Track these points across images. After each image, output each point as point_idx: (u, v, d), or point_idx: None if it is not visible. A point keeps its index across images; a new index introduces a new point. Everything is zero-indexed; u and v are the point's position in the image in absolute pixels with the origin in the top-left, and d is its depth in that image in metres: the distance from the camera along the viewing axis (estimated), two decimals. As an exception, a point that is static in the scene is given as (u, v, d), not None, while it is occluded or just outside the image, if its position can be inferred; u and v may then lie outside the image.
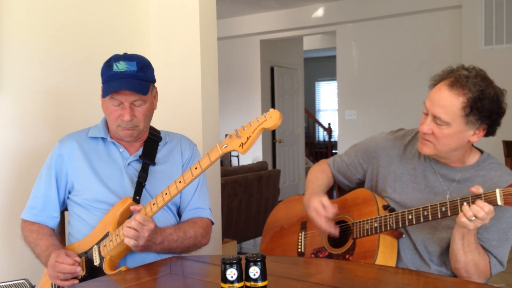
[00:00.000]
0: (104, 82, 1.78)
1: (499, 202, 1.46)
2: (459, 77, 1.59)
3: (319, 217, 1.81)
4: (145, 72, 1.79)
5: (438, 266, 1.74)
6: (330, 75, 11.60)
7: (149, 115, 1.83)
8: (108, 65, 1.78)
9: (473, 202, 1.49)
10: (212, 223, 1.94)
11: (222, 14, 7.18)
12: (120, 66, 1.75)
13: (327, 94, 12.78)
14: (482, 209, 1.46)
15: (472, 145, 1.74)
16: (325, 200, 1.82)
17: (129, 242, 1.62)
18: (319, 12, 7.03)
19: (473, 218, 1.47)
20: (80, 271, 1.68)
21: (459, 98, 1.57)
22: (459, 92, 1.57)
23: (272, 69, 8.00)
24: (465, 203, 1.50)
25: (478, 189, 1.50)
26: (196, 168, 1.55)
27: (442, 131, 1.61)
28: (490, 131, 1.64)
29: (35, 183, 1.92)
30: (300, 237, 2.00)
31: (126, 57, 1.79)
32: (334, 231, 1.82)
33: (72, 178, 1.86)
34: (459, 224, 1.53)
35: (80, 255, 1.78)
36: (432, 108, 1.62)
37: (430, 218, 1.61)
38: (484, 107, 1.56)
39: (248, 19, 7.64)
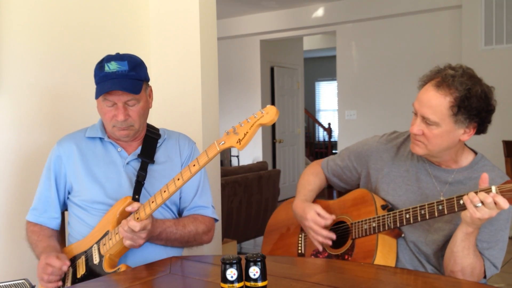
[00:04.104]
0: (97, 83, 1.78)
1: None
2: (445, 77, 1.59)
3: (318, 227, 1.84)
4: (138, 71, 1.78)
5: (434, 267, 1.75)
6: (330, 75, 11.60)
7: (144, 114, 1.83)
8: (100, 66, 1.78)
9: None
10: (216, 220, 1.95)
11: (222, 14, 7.19)
12: (112, 67, 1.75)
13: (327, 94, 12.77)
14: (488, 195, 1.44)
15: (466, 145, 1.74)
16: (319, 208, 1.86)
17: (128, 245, 1.67)
18: (319, 12, 7.04)
19: (479, 204, 1.45)
20: (65, 268, 1.69)
21: (446, 98, 1.57)
22: (446, 92, 1.58)
23: (272, 69, 8.00)
24: (471, 192, 1.48)
25: (484, 182, 1.49)
26: (194, 165, 1.55)
27: (432, 132, 1.61)
28: (480, 129, 1.63)
29: (38, 185, 1.93)
30: (300, 238, 2.00)
31: (117, 57, 1.78)
32: (333, 235, 1.84)
33: (70, 179, 1.86)
34: (465, 218, 1.51)
35: (80, 255, 1.79)
36: (420, 109, 1.63)
37: (427, 217, 1.60)
38: (472, 106, 1.56)
39: (248, 19, 7.64)
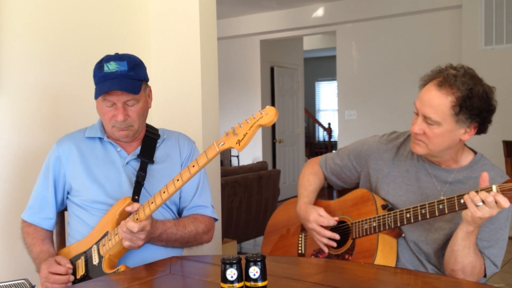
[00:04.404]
0: (96, 83, 1.78)
1: None
2: (447, 77, 1.60)
3: (321, 228, 1.84)
4: (137, 71, 1.78)
5: (435, 266, 1.75)
6: (330, 75, 11.60)
7: (143, 114, 1.83)
8: (99, 66, 1.78)
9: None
10: (216, 219, 1.95)
11: (222, 14, 7.18)
12: (111, 67, 1.74)
13: (327, 94, 12.77)
14: (489, 194, 1.44)
15: (466, 145, 1.74)
16: (322, 211, 1.86)
17: (127, 247, 1.67)
18: (319, 12, 7.03)
19: (480, 203, 1.45)
20: (72, 278, 1.70)
21: (448, 97, 1.58)
22: (448, 92, 1.58)
23: (272, 69, 8.00)
24: (472, 191, 1.48)
25: (484, 181, 1.49)
26: (193, 166, 1.55)
27: (433, 131, 1.62)
28: (481, 129, 1.63)
29: (35, 183, 1.93)
30: (300, 238, 2.00)
31: (116, 57, 1.78)
32: (336, 236, 1.84)
33: (70, 179, 1.86)
34: (466, 217, 1.51)
35: (79, 255, 1.79)
36: (422, 108, 1.63)
37: (428, 216, 1.61)
38: (473, 105, 1.57)
39: (248, 19, 7.64)
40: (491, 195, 1.44)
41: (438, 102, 1.59)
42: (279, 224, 2.12)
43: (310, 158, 2.16)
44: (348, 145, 2.03)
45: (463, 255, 1.58)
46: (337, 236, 1.83)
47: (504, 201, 1.43)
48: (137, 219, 1.63)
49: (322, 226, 1.85)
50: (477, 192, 1.47)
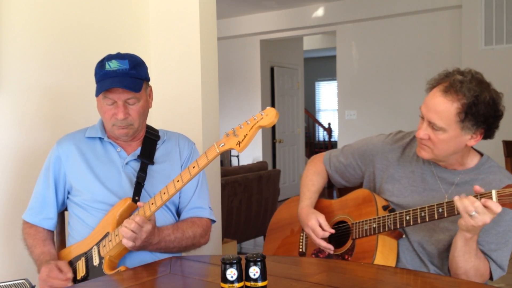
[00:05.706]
0: (97, 81, 1.78)
1: None
2: (454, 82, 1.57)
3: (316, 238, 1.85)
4: (138, 70, 1.78)
5: (437, 267, 1.74)
6: (330, 75, 11.60)
7: (143, 113, 1.83)
8: (101, 64, 1.78)
9: None
10: (213, 221, 1.94)
11: (222, 14, 7.18)
12: (112, 65, 1.75)
13: (327, 94, 12.77)
14: (483, 204, 1.43)
15: (472, 147, 1.73)
16: (322, 219, 1.85)
17: (127, 243, 1.64)
18: (319, 12, 7.03)
19: (474, 213, 1.44)
20: (71, 284, 1.70)
21: (454, 104, 1.56)
22: (454, 98, 1.56)
23: (272, 69, 8.00)
24: (470, 197, 1.47)
25: (480, 188, 1.48)
26: (194, 167, 1.55)
27: (438, 137, 1.60)
28: (488, 135, 1.62)
29: (35, 184, 1.93)
30: (301, 237, 2.00)
31: (118, 56, 1.79)
32: (331, 247, 1.84)
33: (70, 179, 1.86)
34: (461, 225, 1.51)
35: (80, 256, 1.79)
36: (427, 114, 1.62)
37: (427, 219, 1.60)
38: (479, 112, 1.54)
39: (248, 19, 7.64)
40: (479, 201, 1.42)
41: (443, 108, 1.57)
42: (281, 222, 2.12)
43: (310, 158, 2.15)
44: (353, 143, 2.01)
45: (464, 261, 1.58)
46: (331, 248, 1.83)
47: (495, 206, 1.41)
48: (138, 219, 1.63)
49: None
50: (476, 197, 1.46)
